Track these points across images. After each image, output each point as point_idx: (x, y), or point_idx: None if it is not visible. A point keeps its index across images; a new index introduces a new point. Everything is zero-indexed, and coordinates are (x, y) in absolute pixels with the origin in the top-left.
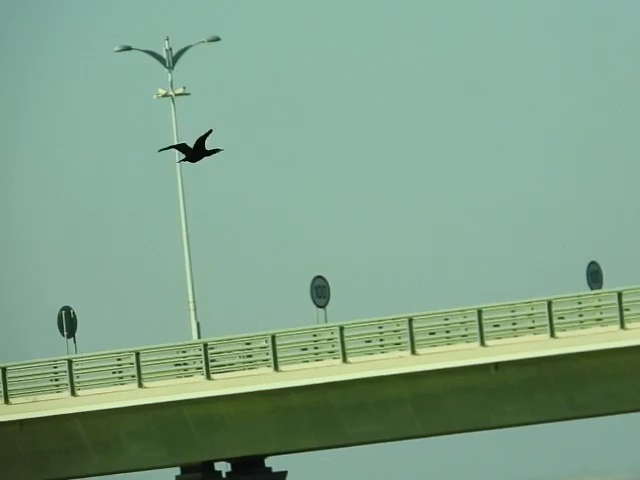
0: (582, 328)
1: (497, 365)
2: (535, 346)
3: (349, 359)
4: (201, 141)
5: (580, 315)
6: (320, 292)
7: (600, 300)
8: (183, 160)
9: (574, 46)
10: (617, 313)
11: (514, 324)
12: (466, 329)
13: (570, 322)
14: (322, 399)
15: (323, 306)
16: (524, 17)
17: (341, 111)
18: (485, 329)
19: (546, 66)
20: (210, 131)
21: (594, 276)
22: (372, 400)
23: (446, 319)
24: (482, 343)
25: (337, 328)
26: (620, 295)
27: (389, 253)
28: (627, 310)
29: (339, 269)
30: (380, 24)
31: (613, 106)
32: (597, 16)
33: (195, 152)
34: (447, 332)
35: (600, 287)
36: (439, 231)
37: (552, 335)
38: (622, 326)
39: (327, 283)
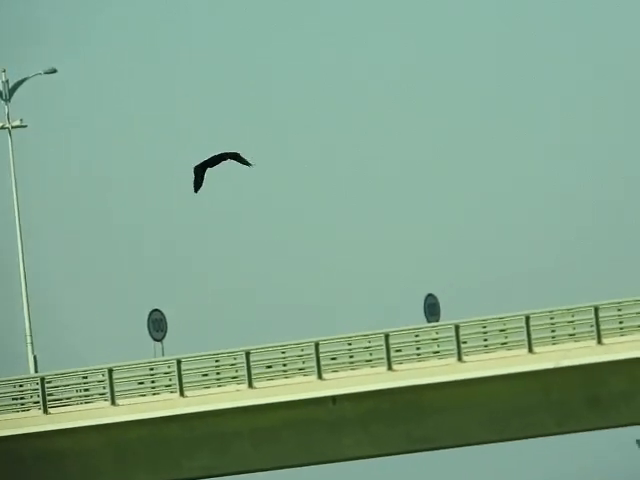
0: (420, 361)
1: (335, 398)
2: (373, 379)
3: (186, 393)
4: (227, 158)
5: (417, 348)
6: (157, 325)
7: (437, 333)
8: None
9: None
10: (454, 346)
11: (351, 357)
12: (303, 362)
13: (408, 355)
14: (159, 433)
15: (160, 339)
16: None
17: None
18: (322, 362)
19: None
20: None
21: (431, 309)
22: (210, 434)
23: (283, 352)
24: (319, 376)
25: (174, 361)
26: (457, 328)
27: (226, 286)
28: (464, 343)
29: (176, 302)
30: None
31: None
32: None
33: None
34: (284, 365)
35: (437, 320)
36: (274, 263)
37: (390, 368)
38: (459, 359)
39: (164, 316)
